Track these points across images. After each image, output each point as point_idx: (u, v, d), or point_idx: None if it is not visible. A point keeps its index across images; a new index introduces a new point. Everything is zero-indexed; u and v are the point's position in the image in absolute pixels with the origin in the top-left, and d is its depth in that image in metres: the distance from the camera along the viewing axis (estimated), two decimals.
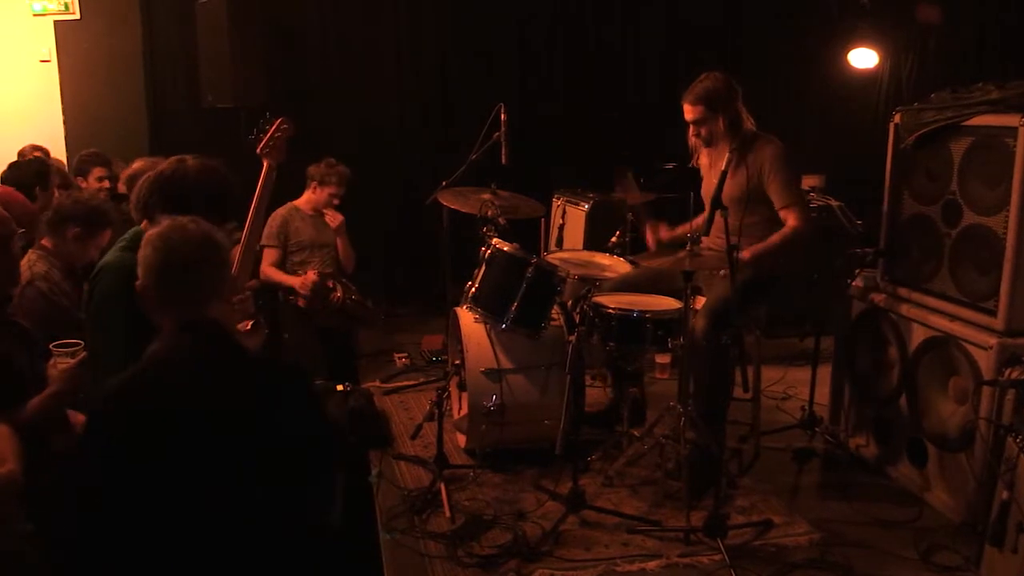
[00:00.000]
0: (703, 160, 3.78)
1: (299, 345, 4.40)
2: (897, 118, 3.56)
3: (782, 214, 3.54)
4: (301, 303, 4.49)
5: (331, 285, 4.55)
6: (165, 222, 1.98)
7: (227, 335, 1.95)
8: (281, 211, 4.70)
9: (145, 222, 2.62)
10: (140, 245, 2.13)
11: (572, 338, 3.36)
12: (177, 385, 1.85)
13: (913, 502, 3.33)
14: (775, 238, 3.51)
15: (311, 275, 4.52)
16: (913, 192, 3.50)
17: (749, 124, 3.60)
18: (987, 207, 3.10)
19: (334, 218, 4.76)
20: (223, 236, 2.02)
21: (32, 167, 4.37)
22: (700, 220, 3.43)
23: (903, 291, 3.52)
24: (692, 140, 3.71)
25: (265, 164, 3.01)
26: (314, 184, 4.76)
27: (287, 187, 4.32)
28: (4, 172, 4.44)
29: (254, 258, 3.25)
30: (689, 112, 3.60)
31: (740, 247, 3.19)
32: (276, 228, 4.67)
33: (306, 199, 4.79)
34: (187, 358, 1.88)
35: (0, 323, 2.48)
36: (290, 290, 4.54)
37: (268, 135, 3.02)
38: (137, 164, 4.46)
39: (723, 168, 3.15)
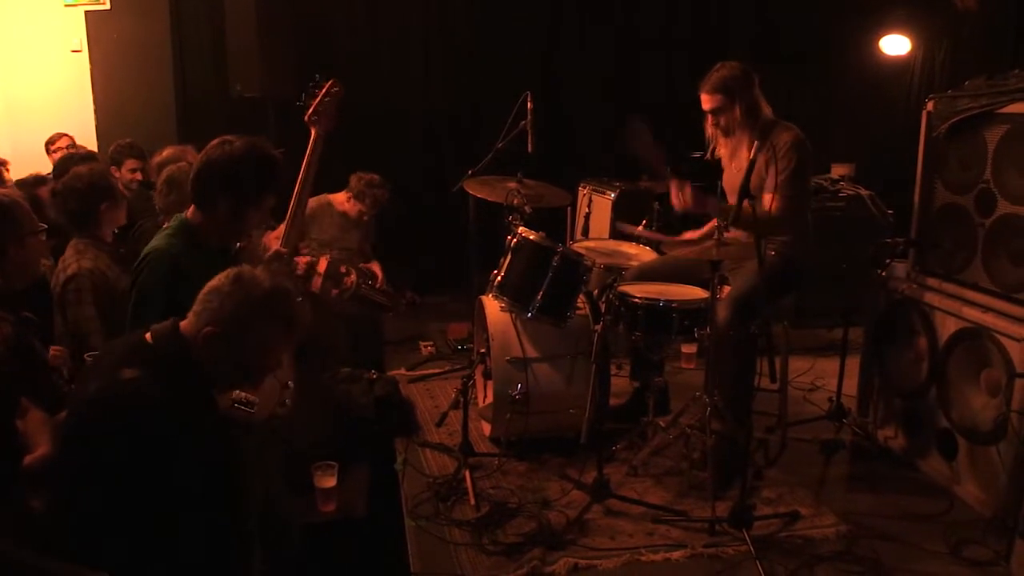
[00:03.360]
0: (722, 151, 3.74)
1: (317, 332, 4.36)
2: (930, 106, 3.51)
3: (765, 198, 3.39)
4: (315, 286, 4.42)
5: (344, 270, 4.48)
6: (235, 274, 2.03)
7: (187, 364, 1.96)
8: (314, 202, 4.61)
9: (193, 207, 2.68)
10: (184, 231, 2.46)
11: (598, 327, 3.35)
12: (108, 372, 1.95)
13: (942, 495, 3.29)
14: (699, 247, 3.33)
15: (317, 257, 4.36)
16: (946, 181, 3.45)
17: (767, 112, 3.56)
18: (1022, 196, 3.05)
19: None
20: (271, 305, 2.01)
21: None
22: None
23: (934, 282, 3.48)
24: (710, 130, 3.67)
25: (313, 132, 2.93)
26: (350, 194, 4.76)
27: (328, 180, 4.33)
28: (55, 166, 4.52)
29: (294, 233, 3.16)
30: (707, 101, 3.56)
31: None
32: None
33: (341, 200, 4.80)
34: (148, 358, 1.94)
35: (19, 318, 2.54)
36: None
37: (317, 99, 2.91)
38: (167, 152, 4.50)
39: (751, 157, 3.12)
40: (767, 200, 3.40)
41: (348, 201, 4.78)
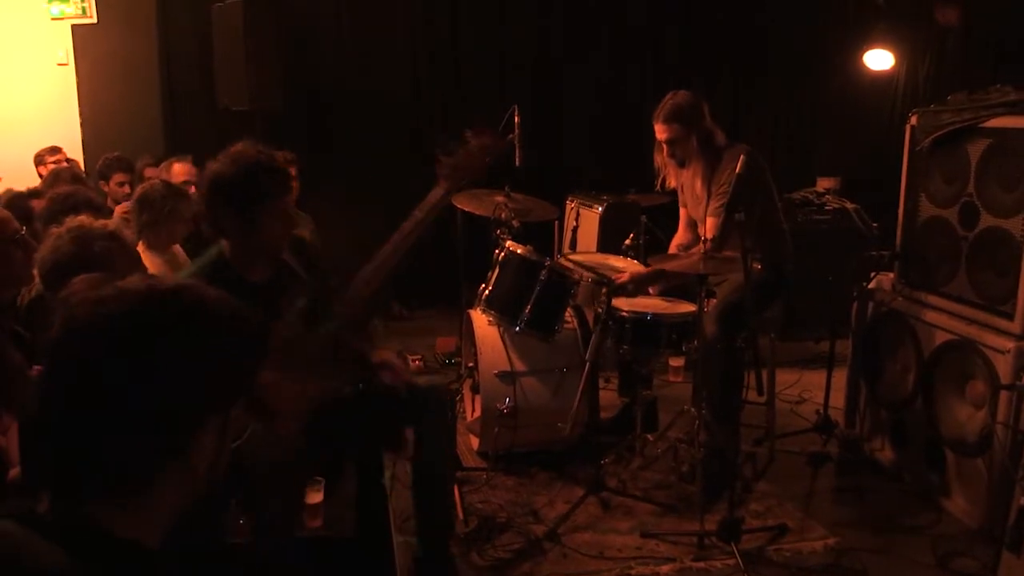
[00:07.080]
0: (683, 178, 3.67)
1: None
2: (913, 120, 3.54)
3: (709, 221, 3.41)
4: None
5: None
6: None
7: None
8: None
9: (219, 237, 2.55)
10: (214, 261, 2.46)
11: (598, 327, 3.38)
12: None
13: (930, 507, 3.30)
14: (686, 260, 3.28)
15: None
16: (929, 194, 3.48)
17: (720, 138, 3.52)
18: (1005, 209, 3.08)
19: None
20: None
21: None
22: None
23: (919, 294, 3.50)
24: (659, 160, 3.63)
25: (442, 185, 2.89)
26: None
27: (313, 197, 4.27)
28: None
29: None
30: (663, 131, 3.49)
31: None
32: None
33: None
34: None
35: (6, 330, 2.51)
36: None
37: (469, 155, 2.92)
38: (150, 170, 4.48)
39: (739, 171, 3.12)
40: (710, 229, 3.35)
41: None
